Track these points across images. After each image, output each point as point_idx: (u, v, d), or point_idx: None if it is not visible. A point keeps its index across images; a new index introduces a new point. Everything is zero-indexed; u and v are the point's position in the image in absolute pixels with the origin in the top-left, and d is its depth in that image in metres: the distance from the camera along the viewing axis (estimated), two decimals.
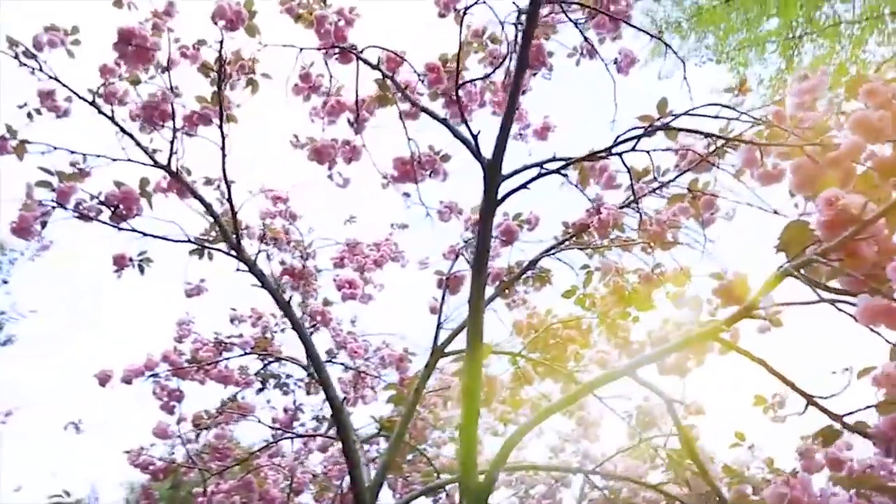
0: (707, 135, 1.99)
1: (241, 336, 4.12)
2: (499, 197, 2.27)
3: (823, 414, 1.61)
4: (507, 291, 3.38)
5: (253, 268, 3.01)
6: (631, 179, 2.58)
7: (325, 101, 3.15)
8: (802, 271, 1.55)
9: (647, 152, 2.50)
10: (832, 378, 1.75)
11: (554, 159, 2.37)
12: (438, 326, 3.24)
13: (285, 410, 4.50)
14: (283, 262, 4.30)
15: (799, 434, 2.29)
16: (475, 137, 2.29)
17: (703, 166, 3.02)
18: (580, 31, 2.76)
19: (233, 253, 2.97)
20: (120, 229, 2.73)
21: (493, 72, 2.62)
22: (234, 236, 2.95)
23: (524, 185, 2.29)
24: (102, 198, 2.71)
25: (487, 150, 2.34)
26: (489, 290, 3.47)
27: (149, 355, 3.97)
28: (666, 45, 2.60)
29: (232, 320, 4.23)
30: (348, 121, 3.13)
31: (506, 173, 2.29)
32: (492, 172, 2.25)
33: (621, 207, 2.94)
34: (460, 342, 3.40)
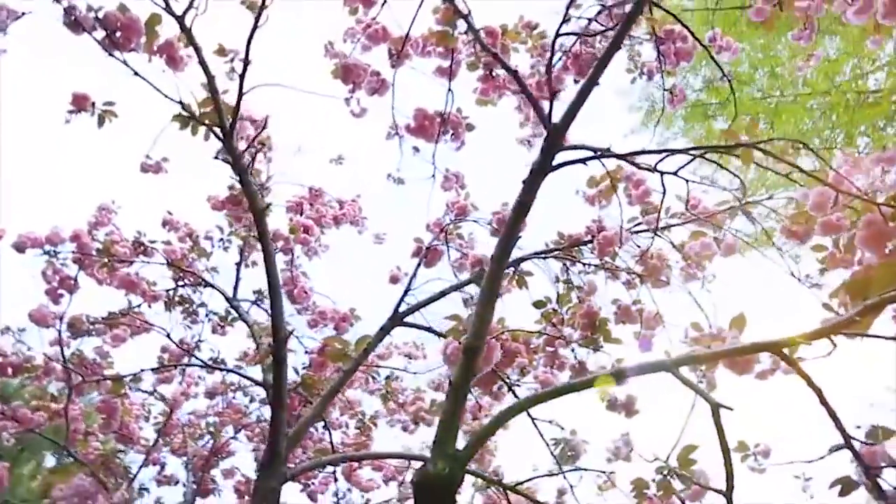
0: (785, 162, 1.97)
1: (168, 244, 3.63)
2: (553, 163, 2.15)
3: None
4: None
5: (238, 161, 2.66)
6: (663, 199, 2.54)
7: (368, 23, 2.93)
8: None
9: (686, 181, 2.48)
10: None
11: (608, 150, 2.29)
12: (405, 292, 3.01)
13: (181, 343, 4.00)
14: (231, 188, 3.89)
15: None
16: (553, 96, 2.16)
17: (716, 220, 3.08)
18: (656, 47, 2.74)
19: (220, 136, 2.61)
20: (110, 55, 2.31)
21: (594, 35, 2.52)
22: (231, 120, 2.59)
23: (582, 160, 2.18)
24: (101, 14, 2.29)
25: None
26: (465, 275, 3.30)
27: (55, 228, 3.40)
28: (731, 87, 2.62)
29: (164, 224, 3.73)
30: (389, 51, 2.92)
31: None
32: (555, 136, 2.13)
33: (634, 232, 2.90)
34: (417, 318, 3.18)
